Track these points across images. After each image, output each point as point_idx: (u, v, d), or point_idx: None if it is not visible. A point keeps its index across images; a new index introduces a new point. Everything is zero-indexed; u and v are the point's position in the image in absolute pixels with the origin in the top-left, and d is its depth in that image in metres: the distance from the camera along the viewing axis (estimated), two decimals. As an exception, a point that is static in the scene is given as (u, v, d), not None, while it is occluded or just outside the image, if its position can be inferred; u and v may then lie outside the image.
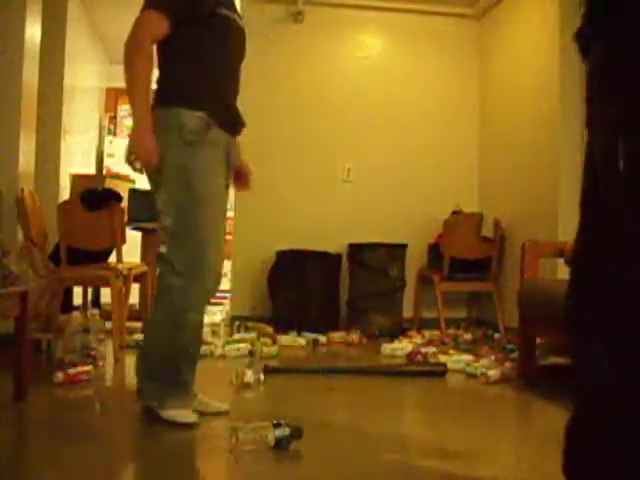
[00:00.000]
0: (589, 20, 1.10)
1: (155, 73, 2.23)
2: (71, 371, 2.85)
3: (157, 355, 2.22)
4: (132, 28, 2.14)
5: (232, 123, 2.32)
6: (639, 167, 1.00)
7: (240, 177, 2.49)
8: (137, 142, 2.10)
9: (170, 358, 2.20)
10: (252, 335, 4.06)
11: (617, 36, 1.02)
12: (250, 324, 4.39)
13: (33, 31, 3.67)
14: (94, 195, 3.76)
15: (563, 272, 3.51)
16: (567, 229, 3.88)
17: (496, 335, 4.41)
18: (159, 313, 2.21)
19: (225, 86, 2.29)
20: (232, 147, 2.33)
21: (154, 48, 2.17)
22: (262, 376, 2.94)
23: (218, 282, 2.25)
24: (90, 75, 6.25)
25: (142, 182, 5.95)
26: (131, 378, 3.28)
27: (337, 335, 4.24)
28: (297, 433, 1.95)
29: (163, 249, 2.19)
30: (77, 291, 4.45)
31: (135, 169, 2.17)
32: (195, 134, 2.15)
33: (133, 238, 4.69)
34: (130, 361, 3.51)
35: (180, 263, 2.15)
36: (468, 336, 4.35)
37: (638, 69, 0.99)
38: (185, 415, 2.17)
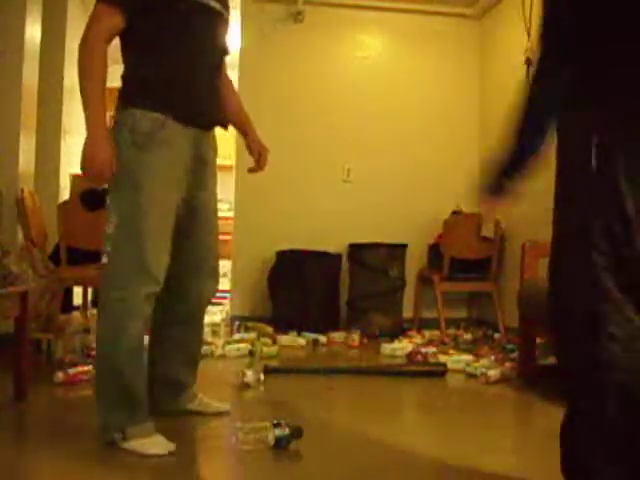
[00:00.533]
0: (557, 51, 1.42)
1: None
2: (71, 371, 2.85)
3: (104, 375, 2.05)
4: (85, 26, 2.01)
5: (201, 117, 2.15)
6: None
7: (257, 157, 2.43)
8: (90, 151, 1.94)
9: (117, 374, 2.00)
10: (252, 335, 4.06)
11: (586, 62, 1.35)
12: (250, 324, 4.39)
13: (33, 31, 3.67)
14: (94, 195, 3.75)
15: (563, 272, 3.50)
16: (567, 229, 3.88)
17: (496, 335, 4.41)
18: (100, 329, 2.05)
19: (192, 79, 2.10)
20: (203, 142, 2.18)
21: (109, 46, 2.01)
22: (262, 376, 2.94)
23: (159, 286, 2.06)
24: (90, 75, 6.24)
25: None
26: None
27: (337, 335, 4.24)
28: (297, 433, 1.95)
29: (105, 259, 2.02)
30: (77, 291, 4.45)
31: (89, 179, 2.04)
32: (145, 135, 1.99)
33: (133, 238, 4.69)
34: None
35: (121, 275, 2.00)
36: (468, 336, 4.35)
37: (605, 86, 1.33)
38: (154, 443, 1.97)
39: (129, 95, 2.05)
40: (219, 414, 2.31)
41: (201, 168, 2.18)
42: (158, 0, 2.03)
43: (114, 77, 2.11)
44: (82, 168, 1.97)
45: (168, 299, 2.18)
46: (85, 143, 1.95)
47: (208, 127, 2.22)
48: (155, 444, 1.95)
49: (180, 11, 2.04)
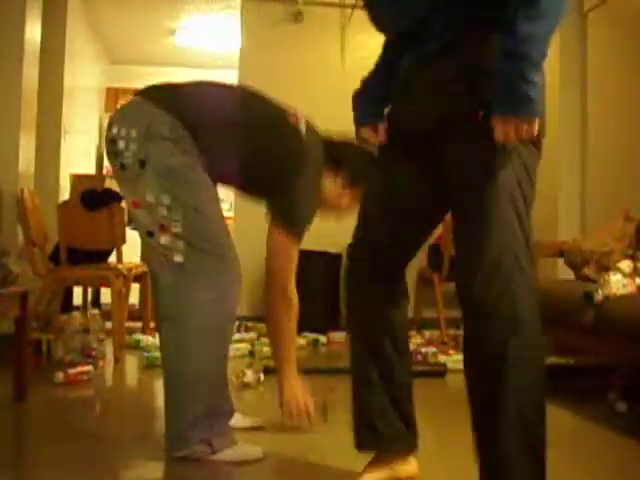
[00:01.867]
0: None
1: None
2: (71, 371, 2.85)
3: (190, 387, 1.94)
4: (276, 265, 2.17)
5: None
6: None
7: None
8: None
9: (213, 383, 1.97)
10: (252, 335, 4.06)
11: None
12: (250, 324, 4.39)
13: (33, 31, 3.67)
14: (94, 195, 3.76)
15: (563, 272, 3.51)
16: (567, 229, 3.88)
17: (496, 335, 4.40)
18: (190, 337, 1.91)
19: None
20: None
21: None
22: (262, 376, 2.94)
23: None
24: (90, 75, 6.24)
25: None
26: (131, 378, 3.29)
27: (337, 335, 4.24)
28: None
29: (178, 258, 1.88)
30: (77, 291, 4.45)
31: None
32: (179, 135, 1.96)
33: (133, 238, 4.68)
34: (130, 361, 3.51)
35: (205, 271, 1.90)
36: (468, 336, 4.34)
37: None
38: (247, 450, 1.95)
39: None
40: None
41: None
42: None
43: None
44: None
45: None
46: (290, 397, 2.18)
47: None
48: (245, 451, 1.95)
49: None
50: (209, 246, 1.91)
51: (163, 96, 1.96)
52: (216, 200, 2.02)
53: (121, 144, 1.88)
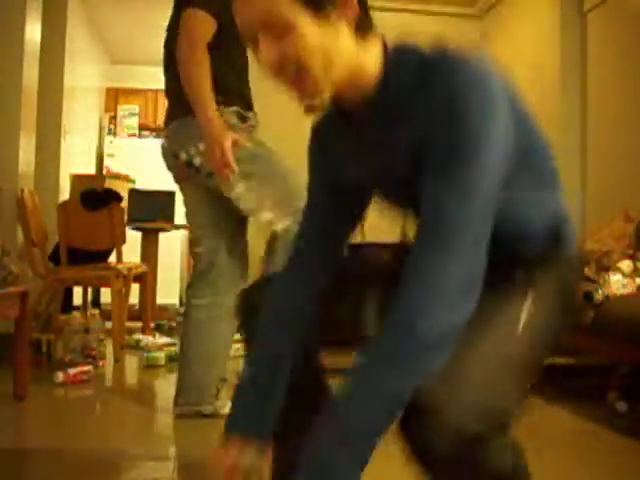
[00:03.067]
0: None
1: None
2: (71, 371, 2.85)
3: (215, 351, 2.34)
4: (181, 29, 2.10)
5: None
6: None
7: None
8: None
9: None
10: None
11: None
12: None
13: (33, 31, 3.67)
14: (94, 195, 3.76)
15: (563, 272, 3.50)
16: (567, 229, 3.88)
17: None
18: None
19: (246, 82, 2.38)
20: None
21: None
22: (262, 376, 2.93)
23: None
24: (90, 75, 6.24)
25: (142, 182, 5.97)
26: (131, 378, 3.29)
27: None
28: None
29: (283, 224, 2.16)
30: (77, 291, 4.46)
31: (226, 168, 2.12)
32: (234, 130, 2.17)
33: (133, 238, 4.70)
34: (130, 361, 3.51)
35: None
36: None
37: None
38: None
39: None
40: None
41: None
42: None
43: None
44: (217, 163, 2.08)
45: None
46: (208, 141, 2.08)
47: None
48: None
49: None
50: None
51: None
52: None
53: None
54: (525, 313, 1.03)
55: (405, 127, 0.96)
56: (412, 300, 0.88)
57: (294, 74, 0.95)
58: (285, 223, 2.13)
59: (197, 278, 2.33)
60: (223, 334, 2.34)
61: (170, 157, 2.29)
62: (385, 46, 1.00)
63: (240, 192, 2.15)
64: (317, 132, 1.18)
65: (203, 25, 2.10)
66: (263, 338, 1.16)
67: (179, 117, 2.24)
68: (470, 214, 0.89)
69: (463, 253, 0.88)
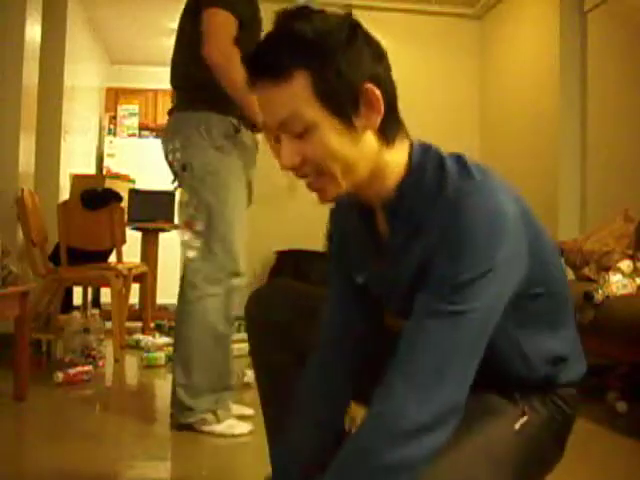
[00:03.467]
0: None
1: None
2: (71, 371, 2.85)
3: (200, 361, 2.15)
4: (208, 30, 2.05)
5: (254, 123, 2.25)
6: None
7: None
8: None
9: (212, 360, 2.16)
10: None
11: None
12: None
13: (33, 31, 3.67)
14: (94, 195, 3.76)
15: (563, 272, 3.50)
16: (567, 229, 3.88)
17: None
18: (195, 321, 2.15)
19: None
20: (255, 144, 2.34)
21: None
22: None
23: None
24: (90, 75, 6.24)
25: (142, 182, 5.97)
26: (131, 378, 3.29)
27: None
28: None
29: (191, 254, 2.15)
30: (77, 291, 4.45)
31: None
32: (224, 138, 2.15)
33: (133, 238, 4.69)
34: (130, 361, 3.51)
35: (214, 272, 2.14)
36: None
37: None
38: (237, 424, 2.16)
39: (202, 99, 2.14)
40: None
41: (253, 164, 2.33)
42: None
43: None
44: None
45: None
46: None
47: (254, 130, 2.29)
48: (237, 424, 2.14)
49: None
50: None
51: None
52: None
53: None
54: (519, 425, 1.01)
55: (419, 240, 0.94)
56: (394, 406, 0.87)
57: (313, 174, 0.93)
58: (192, 254, 2.14)
59: None
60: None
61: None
62: (411, 149, 0.97)
63: (186, 201, 2.18)
64: (336, 219, 1.15)
65: (228, 24, 2.06)
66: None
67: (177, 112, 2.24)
68: (459, 343, 0.87)
69: (446, 381, 0.86)
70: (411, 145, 0.98)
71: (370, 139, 0.91)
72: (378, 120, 0.91)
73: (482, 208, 0.87)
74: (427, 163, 0.95)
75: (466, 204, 0.87)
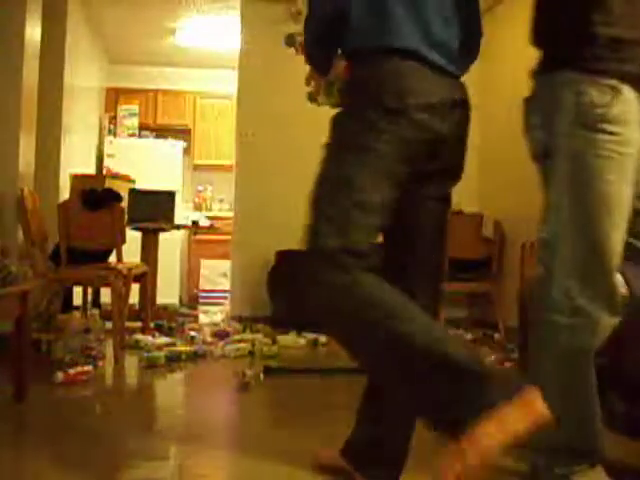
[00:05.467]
0: None
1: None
2: (71, 371, 2.85)
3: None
4: None
5: None
6: None
7: None
8: None
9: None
10: (252, 335, 4.07)
11: None
12: (260, 326, 4.41)
13: (33, 31, 3.67)
14: (94, 195, 3.76)
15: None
16: (567, 229, 3.88)
17: (496, 335, 4.41)
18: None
19: None
20: None
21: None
22: (262, 376, 2.94)
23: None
24: (90, 75, 6.24)
25: (142, 182, 5.97)
26: (131, 378, 3.29)
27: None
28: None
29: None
30: (77, 291, 4.45)
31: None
32: (595, 111, 1.54)
33: (133, 238, 4.69)
34: (130, 361, 3.51)
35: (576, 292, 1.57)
36: (468, 336, 4.35)
37: None
38: None
39: (570, 54, 1.56)
40: None
41: None
42: None
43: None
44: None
45: None
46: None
47: None
48: None
49: None
50: None
51: None
52: None
53: None
54: None
55: None
56: None
57: None
58: None
59: None
60: None
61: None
62: None
63: None
64: None
65: None
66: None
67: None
68: None
69: None
70: None
71: None
72: None
73: None
74: None
75: None
